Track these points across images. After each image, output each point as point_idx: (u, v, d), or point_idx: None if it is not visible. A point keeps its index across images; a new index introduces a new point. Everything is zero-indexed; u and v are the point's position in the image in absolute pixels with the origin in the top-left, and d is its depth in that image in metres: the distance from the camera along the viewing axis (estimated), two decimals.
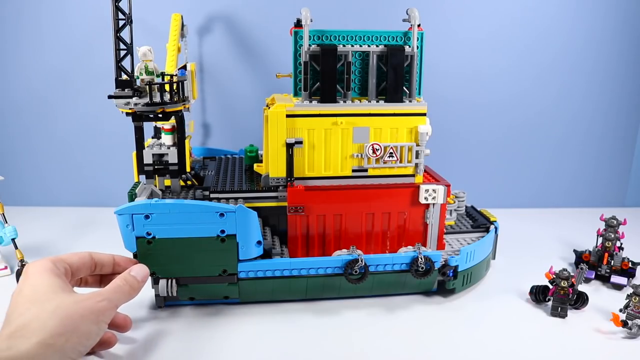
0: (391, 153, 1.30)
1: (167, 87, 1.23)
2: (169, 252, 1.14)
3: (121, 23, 1.21)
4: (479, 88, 1.88)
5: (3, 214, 1.36)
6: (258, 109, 1.65)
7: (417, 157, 1.31)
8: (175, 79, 1.25)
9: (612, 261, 1.38)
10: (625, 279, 1.36)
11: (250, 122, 1.83)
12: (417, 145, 1.31)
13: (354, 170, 1.31)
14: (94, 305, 0.92)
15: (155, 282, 1.17)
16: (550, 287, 1.22)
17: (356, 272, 1.21)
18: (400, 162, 1.31)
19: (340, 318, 1.20)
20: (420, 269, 1.23)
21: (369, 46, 1.26)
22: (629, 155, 2.02)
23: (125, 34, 1.21)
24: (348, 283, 1.21)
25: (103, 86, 1.81)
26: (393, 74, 1.26)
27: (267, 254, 1.23)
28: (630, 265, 1.37)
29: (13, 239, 1.34)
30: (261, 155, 1.53)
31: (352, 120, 1.27)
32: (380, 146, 1.28)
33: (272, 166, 1.28)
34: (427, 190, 1.30)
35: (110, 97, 1.20)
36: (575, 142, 1.98)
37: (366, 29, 1.27)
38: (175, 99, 1.24)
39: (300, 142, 1.26)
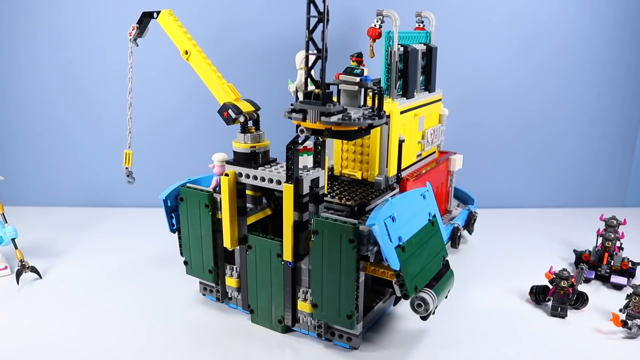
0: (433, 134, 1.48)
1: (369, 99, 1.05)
2: (412, 255, 0.93)
3: (313, 21, 0.92)
4: (477, 87, 1.87)
5: (3, 213, 1.36)
6: None
7: (442, 135, 1.51)
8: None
9: (612, 261, 1.38)
10: (625, 279, 1.36)
11: None
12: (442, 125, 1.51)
13: (418, 156, 1.42)
14: None
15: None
16: (550, 287, 1.22)
17: None
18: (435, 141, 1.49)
19: None
20: None
21: (416, 45, 1.37)
22: (629, 155, 2.02)
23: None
24: None
25: (106, 86, 1.81)
26: (431, 68, 1.43)
27: None
28: (630, 265, 1.37)
29: (13, 239, 1.34)
30: None
31: (417, 111, 1.37)
32: (433, 130, 1.45)
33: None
34: (455, 160, 1.55)
35: (292, 111, 0.95)
36: (575, 141, 1.98)
37: (408, 30, 1.38)
38: (380, 114, 1.01)
39: (403, 140, 1.30)
